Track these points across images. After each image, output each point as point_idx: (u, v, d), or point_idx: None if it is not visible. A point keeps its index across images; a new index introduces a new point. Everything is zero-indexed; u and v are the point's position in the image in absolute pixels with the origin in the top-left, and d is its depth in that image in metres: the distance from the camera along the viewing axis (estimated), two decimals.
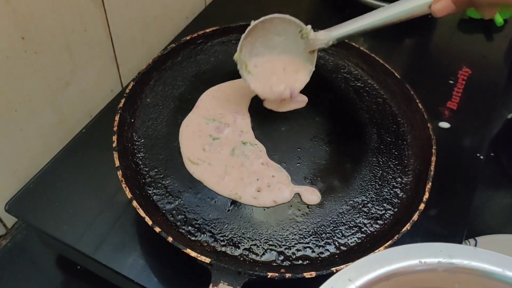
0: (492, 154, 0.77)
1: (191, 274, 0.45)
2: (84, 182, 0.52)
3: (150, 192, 0.48)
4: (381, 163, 0.53)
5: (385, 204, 0.49)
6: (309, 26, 0.51)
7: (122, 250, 0.47)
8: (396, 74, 0.59)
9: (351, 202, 0.49)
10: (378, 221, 0.47)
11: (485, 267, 0.32)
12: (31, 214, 0.49)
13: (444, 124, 0.64)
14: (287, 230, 0.46)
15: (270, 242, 0.45)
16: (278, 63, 0.55)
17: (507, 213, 0.73)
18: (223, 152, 0.52)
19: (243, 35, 0.52)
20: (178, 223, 0.45)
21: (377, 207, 0.49)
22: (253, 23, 0.52)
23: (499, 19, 0.82)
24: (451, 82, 0.71)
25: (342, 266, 0.40)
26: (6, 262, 0.53)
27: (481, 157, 0.61)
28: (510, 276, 0.31)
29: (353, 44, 0.63)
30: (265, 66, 0.55)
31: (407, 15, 0.45)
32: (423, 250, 0.33)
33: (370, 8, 0.80)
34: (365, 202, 0.49)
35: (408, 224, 0.44)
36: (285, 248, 0.45)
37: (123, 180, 0.44)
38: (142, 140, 0.52)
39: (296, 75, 0.55)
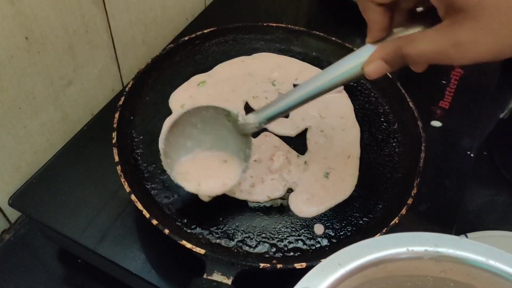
0: (485, 153, 0.78)
1: (187, 267, 0.47)
2: (86, 177, 0.54)
3: (148, 186, 0.49)
4: (371, 159, 0.54)
5: (375, 199, 0.50)
6: (236, 111, 0.47)
7: (123, 244, 0.48)
8: (388, 74, 0.60)
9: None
10: (368, 215, 0.49)
11: (469, 256, 0.32)
12: (34, 208, 0.50)
13: (436, 123, 0.66)
14: (280, 223, 0.48)
15: (263, 235, 0.47)
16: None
17: (500, 211, 0.73)
18: None
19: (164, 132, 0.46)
20: (175, 216, 0.47)
21: (367, 201, 0.50)
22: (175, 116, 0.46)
23: None
24: (444, 82, 0.73)
25: None
26: (9, 256, 0.55)
27: (472, 155, 0.63)
28: (493, 265, 0.32)
29: (347, 44, 0.64)
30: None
31: (340, 81, 0.39)
32: (410, 238, 0.33)
33: None
34: (356, 196, 0.51)
35: (397, 217, 0.45)
36: (278, 241, 0.46)
37: (122, 175, 0.46)
38: (141, 137, 0.54)
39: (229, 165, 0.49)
